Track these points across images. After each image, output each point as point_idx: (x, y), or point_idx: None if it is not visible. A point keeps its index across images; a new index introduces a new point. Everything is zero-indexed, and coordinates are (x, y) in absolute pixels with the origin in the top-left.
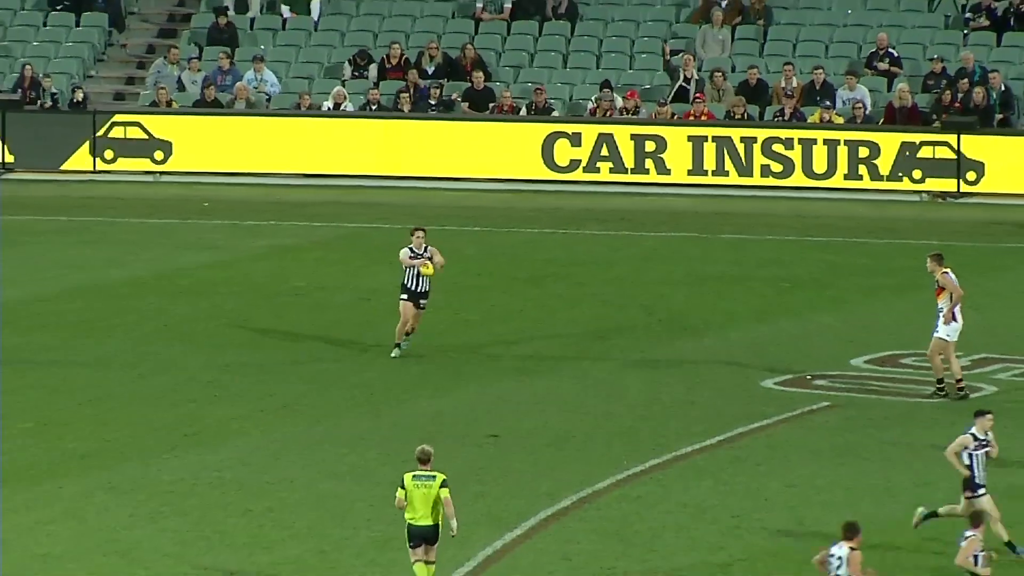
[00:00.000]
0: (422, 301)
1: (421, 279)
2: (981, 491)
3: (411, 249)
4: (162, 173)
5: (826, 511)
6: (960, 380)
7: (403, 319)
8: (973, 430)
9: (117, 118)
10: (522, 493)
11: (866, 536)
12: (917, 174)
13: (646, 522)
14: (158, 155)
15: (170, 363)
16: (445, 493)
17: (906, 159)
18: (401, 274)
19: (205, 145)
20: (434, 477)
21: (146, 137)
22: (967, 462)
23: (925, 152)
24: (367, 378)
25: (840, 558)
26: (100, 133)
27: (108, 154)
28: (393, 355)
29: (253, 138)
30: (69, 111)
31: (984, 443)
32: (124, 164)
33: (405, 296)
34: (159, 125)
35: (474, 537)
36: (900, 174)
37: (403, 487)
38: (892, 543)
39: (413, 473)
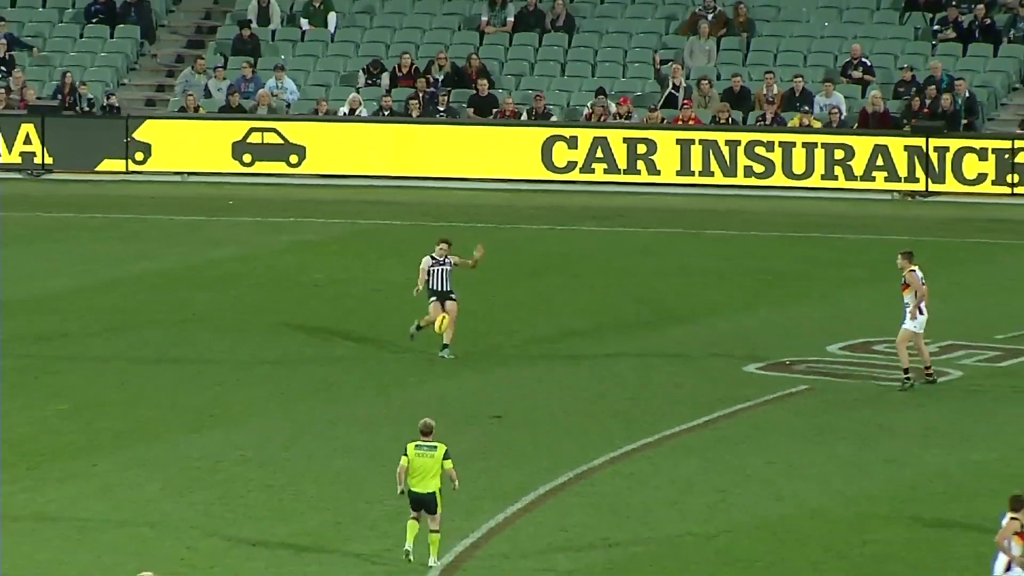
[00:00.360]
0: (451, 296)
1: (444, 279)
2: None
3: (432, 256)
4: (189, 173)
5: (803, 486)
6: (928, 367)
7: (430, 318)
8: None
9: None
10: (523, 469)
11: (838, 509)
12: (888, 174)
13: (638, 496)
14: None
15: (198, 349)
16: (449, 465)
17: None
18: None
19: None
20: (435, 448)
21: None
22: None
23: (897, 154)
24: (379, 363)
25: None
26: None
27: (139, 156)
28: (411, 334)
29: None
30: (103, 116)
31: None
32: (154, 165)
33: (434, 298)
34: (177, 130)
35: (478, 510)
36: (873, 174)
37: (406, 455)
38: (863, 514)
39: (416, 443)
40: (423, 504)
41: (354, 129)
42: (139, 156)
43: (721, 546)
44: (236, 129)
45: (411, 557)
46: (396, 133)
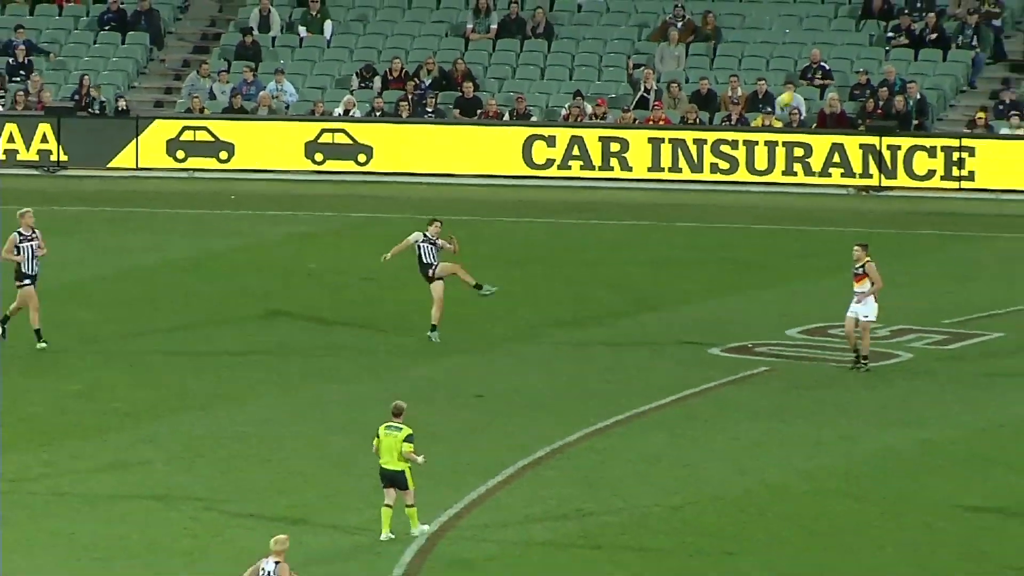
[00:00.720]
0: (430, 271)
1: (433, 253)
2: None
3: (424, 234)
4: (194, 170)
5: (764, 461)
6: (866, 357)
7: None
8: None
9: (157, 123)
10: (503, 445)
11: (796, 483)
12: (844, 170)
13: (610, 470)
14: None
15: (201, 334)
16: (408, 447)
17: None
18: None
19: (234, 145)
20: (400, 428)
21: (212, 139)
22: None
23: (852, 152)
24: (371, 348)
25: None
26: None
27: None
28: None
29: (275, 139)
30: (115, 117)
31: None
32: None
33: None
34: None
35: (462, 483)
36: (830, 170)
37: (377, 436)
38: (820, 488)
39: (386, 424)
40: (394, 481)
41: (348, 128)
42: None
43: (687, 516)
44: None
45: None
46: (387, 132)
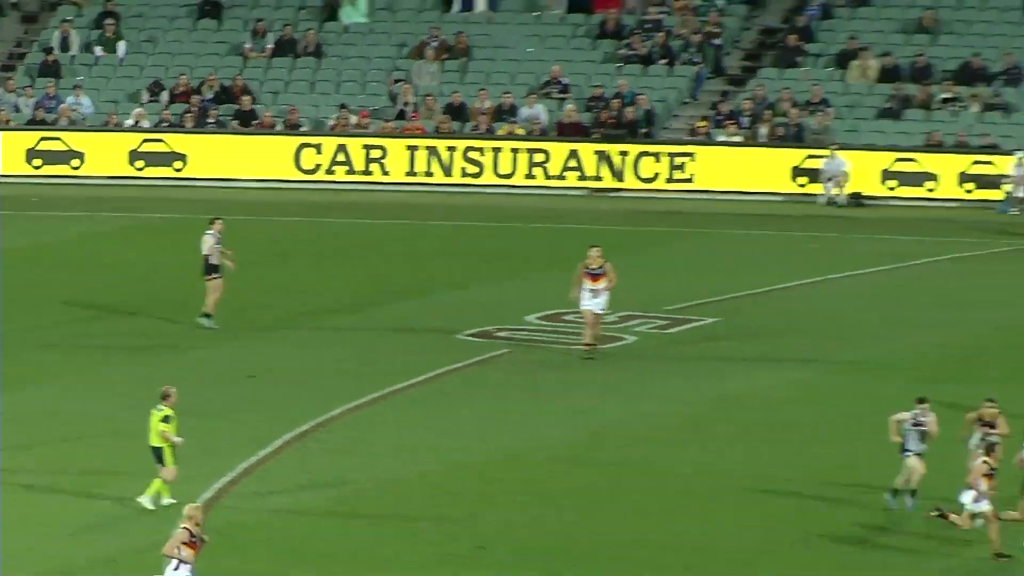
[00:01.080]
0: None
1: (216, 251)
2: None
3: (212, 235)
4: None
5: (505, 432)
6: (594, 345)
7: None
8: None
9: None
10: (272, 420)
11: (533, 452)
12: (580, 174)
13: (369, 441)
14: None
15: (4, 322)
16: (163, 426)
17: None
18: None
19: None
20: (161, 410)
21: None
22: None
23: (586, 157)
24: (156, 332)
25: None
26: None
27: None
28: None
29: (75, 148)
30: None
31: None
32: None
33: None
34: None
35: (234, 454)
36: (565, 174)
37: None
38: (554, 456)
39: (157, 406)
40: (157, 456)
41: (138, 138)
42: None
43: (436, 481)
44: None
45: (147, 506)
46: (173, 141)
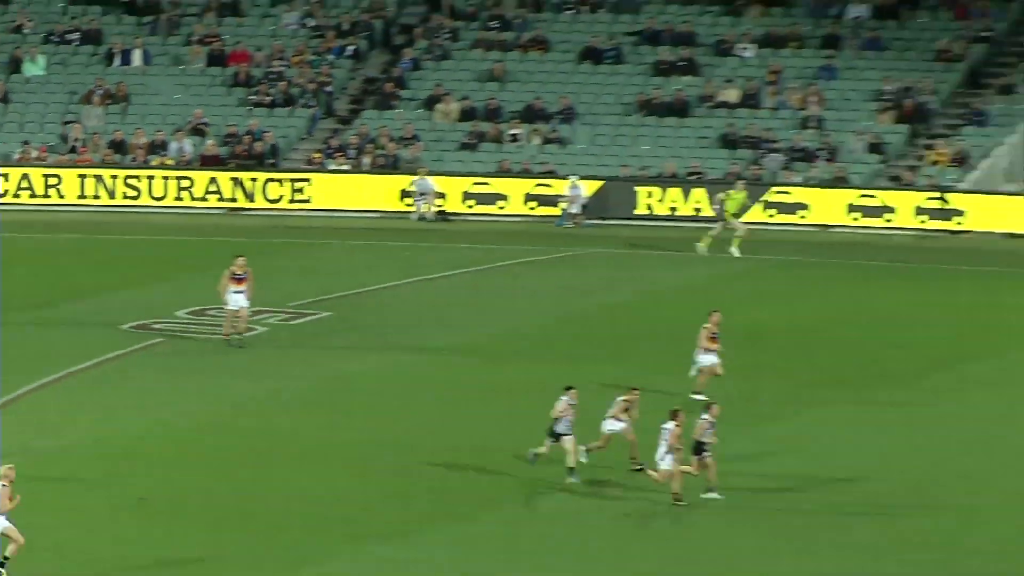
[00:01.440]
0: None
1: None
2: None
3: None
4: None
5: (159, 406)
6: (229, 335)
7: None
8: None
9: None
10: None
11: (181, 422)
12: (220, 196)
13: (53, 414)
14: None
15: None
16: None
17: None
18: None
19: None
20: None
21: None
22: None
23: (224, 183)
24: None
25: None
26: None
27: None
28: None
29: None
30: None
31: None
32: None
33: None
34: None
35: None
36: (207, 196)
37: None
38: (199, 425)
39: None
40: None
41: None
42: None
43: (104, 448)
44: None
45: None
46: None
